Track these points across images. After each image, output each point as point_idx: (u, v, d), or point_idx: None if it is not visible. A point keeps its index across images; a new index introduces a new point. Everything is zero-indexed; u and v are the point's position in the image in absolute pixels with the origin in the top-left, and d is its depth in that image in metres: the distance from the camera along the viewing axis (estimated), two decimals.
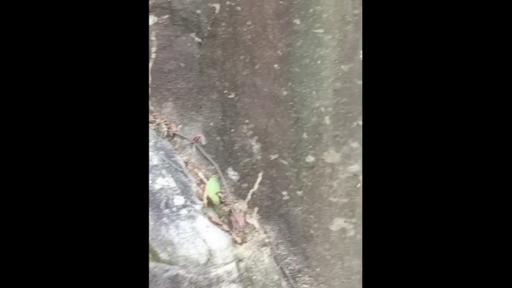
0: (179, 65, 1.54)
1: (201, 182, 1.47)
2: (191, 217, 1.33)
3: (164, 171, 1.38)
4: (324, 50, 1.31)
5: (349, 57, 1.30)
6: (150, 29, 1.62)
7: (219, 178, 1.46)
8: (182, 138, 1.52)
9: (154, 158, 1.39)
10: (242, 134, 1.44)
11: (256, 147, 1.43)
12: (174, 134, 1.52)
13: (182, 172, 1.44)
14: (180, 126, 1.53)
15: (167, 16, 1.63)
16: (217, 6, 1.50)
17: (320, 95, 1.34)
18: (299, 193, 1.38)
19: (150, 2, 1.64)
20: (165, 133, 1.49)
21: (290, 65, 1.36)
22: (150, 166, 1.34)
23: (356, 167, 1.32)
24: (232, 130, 1.45)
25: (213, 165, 1.47)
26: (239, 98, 1.45)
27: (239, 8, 1.44)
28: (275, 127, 1.40)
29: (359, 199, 1.31)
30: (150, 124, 1.48)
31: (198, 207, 1.37)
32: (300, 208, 1.38)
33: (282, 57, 1.38)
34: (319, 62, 1.33)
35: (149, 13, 1.64)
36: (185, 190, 1.39)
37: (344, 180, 1.33)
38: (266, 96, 1.41)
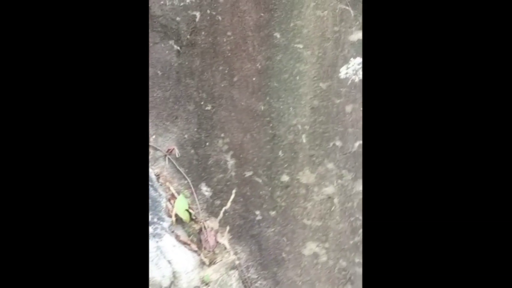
0: (156, 73, 1.58)
1: (172, 197, 1.50)
2: (157, 236, 1.33)
3: None
4: (303, 66, 1.36)
5: (327, 74, 1.34)
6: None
7: (191, 193, 1.48)
8: (156, 149, 1.55)
9: None
10: (217, 148, 1.48)
11: (231, 162, 1.46)
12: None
13: (152, 186, 1.47)
14: (153, 136, 1.56)
15: None
16: (198, 14, 1.55)
17: (297, 112, 1.38)
18: (272, 213, 1.41)
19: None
20: None
21: (269, 79, 1.40)
22: None
23: (331, 189, 1.35)
24: (207, 144, 1.49)
25: (186, 179, 1.50)
26: (216, 111, 1.49)
27: (219, 17, 1.49)
28: (251, 143, 1.43)
29: (332, 223, 1.34)
30: None
31: (166, 224, 1.39)
32: (273, 229, 1.40)
33: (261, 70, 1.42)
34: (297, 78, 1.37)
35: None
36: (153, 206, 1.41)
37: (318, 202, 1.36)
38: (243, 110, 1.45)
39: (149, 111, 1.58)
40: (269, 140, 1.41)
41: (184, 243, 1.39)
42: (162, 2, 1.64)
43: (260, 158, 1.42)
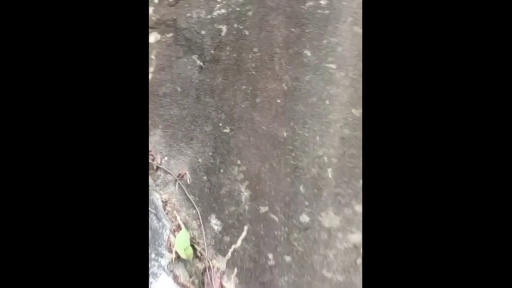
0: (175, 89, 1.54)
1: (177, 228, 1.41)
2: (152, 275, 1.23)
3: None
4: (334, 89, 1.23)
5: (362, 100, 1.21)
6: (150, 47, 1.65)
7: (199, 226, 1.39)
8: (166, 172, 1.49)
9: None
10: (232, 176, 1.38)
11: (245, 194, 1.35)
12: (158, 167, 1.49)
13: (156, 215, 1.38)
14: (165, 158, 1.50)
15: (171, 34, 1.66)
16: (224, 28, 1.50)
17: (324, 141, 1.24)
18: (287, 258, 1.26)
19: (154, 18, 1.69)
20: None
21: (295, 102, 1.30)
22: None
23: (358, 236, 1.18)
24: (222, 171, 1.40)
25: (195, 209, 1.41)
26: (234, 134, 1.40)
27: (247, 32, 1.43)
28: (269, 173, 1.32)
29: (357, 279, 1.16)
30: None
31: (164, 261, 1.29)
32: (287, 278, 1.25)
33: (287, 91, 1.32)
34: (327, 102, 1.25)
35: (153, 30, 1.69)
36: (153, 239, 1.32)
37: (342, 252, 1.20)
38: (263, 135, 1.35)
39: (164, 130, 1.53)
40: (290, 172, 1.29)
41: (183, 286, 1.28)
42: (188, 15, 1.62)
43: (278, 192, 1.30)
